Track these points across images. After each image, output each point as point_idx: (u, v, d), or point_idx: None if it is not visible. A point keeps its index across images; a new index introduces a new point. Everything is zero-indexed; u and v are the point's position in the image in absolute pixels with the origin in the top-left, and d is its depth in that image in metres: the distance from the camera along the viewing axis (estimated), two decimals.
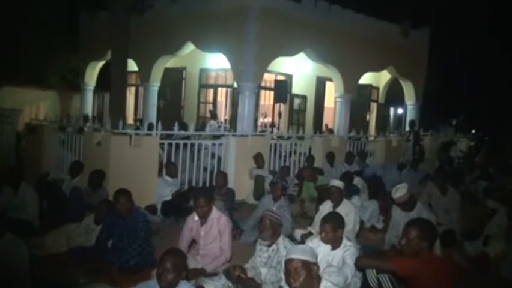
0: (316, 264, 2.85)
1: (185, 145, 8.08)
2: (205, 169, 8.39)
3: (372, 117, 16.26)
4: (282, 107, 13.26)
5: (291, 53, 11.21)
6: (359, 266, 3.66)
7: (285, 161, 9.55)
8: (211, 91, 13.86)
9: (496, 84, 25.01)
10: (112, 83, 9.03)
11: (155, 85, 12.90)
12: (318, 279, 2.84)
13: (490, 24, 23.64)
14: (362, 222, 6.73)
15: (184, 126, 9.78)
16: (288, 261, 2.83)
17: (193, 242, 4.78)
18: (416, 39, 14.61)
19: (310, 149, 10.11)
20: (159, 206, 6.87)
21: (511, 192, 5.77)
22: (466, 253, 5.65)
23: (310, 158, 9.07)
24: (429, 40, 15.30)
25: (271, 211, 4.11)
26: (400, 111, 18.80)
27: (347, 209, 5.64)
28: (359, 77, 13.06)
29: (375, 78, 15.75)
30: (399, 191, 5.22)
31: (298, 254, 2.83)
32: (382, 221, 6.88)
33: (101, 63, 14.39)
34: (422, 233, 3.32)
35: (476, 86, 25.29)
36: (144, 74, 12.91)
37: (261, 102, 13.45)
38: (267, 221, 4.01)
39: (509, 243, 5.30)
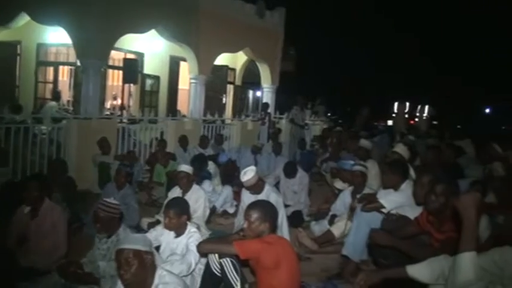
0: (150, 253, 2.84)
1: (18, 130, 7.53)
2: (42, 156, 7.91)
3: (229, 100, 16.57)
4: (133, 88, 12.95)
5: (141, 30, 10.91)
6: (201, 251, 3.73)
7: (134, 145, 9.36)
8: (51, 69, 12.96)
9: (354, 68, 27.16)
10: None
11: None
12: (153, 268, 2.84)
13: (346, 5, 25.52)
14: (214, 208, 6.92)
15: (18, 109, 9.10)
16: (119, 252, 2.78)
17: (24, 238, 4.49)
18: (272, 21, 15.19)
19: (162, 133, 10.05)
20: None
21: (353, 173, 6.26)
22: (312, 233, 6.08)
23: (162, 142, 8.99)
24: (285, 21, 15.91)
25: (104, 202, 4.00)
26: (258, 93, 19.43)
27: (197, 195, 5.73)
28: (215, 58, 13.18)
29: (232, 60, 16.05)
30: (247, 174, 5.41)
31: (129, 243, 2.79)
32: (235, 206, 7.11)
33: None
34: (262, 214, 3.48)
35: (334, 69, 27.22)
36: None
37: (109, 82, 12.95)
38: (100, 214, 3.90)
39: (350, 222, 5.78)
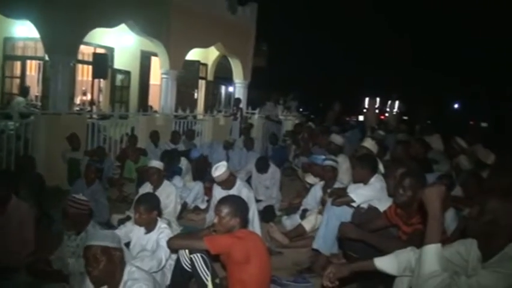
0: (118, 249, 2.81)
1: None
2: (9, 153, 7.75)
3: (200, 95, 16.50)
4: (103, 83, 12.79)
5: (110, 24, 10.74)
6: (171, 247, 3.72)
7: (104, 141, 9.26)
8: (18, 64, 12.69)
9: (326, 63, 27.29)
10: None
11: None
12: (122, 264, 2.81)
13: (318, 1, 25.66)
14: (185, 204, 6.89)
15: None
16: (87, 249, 2.75)
17: None
18: (244, 16, 15.19)
19: (133, 129, 9.95)
20: None
21: (324, 167, 6.30)
22: (283, 227, 6.11)
23: (132, 138, 8.92)
24: (257, 17, 15.92)
25: (73, 198, 3.96)
26: (231, 89, 19.39)
27: (168, 191, 5.73)
28: (186, 53, 13.09)
29: (204, 55, 15.99)
30: (219, 170, 5.40)
31: (97, 239, 2.76)
32: (206, 201, 7.11)
33: None
34: (232, 209, 3.48)
35: (306, 65, 27.31)
36: None
37: (79, 77, 12.76)
38: (69, 210, 3.87)
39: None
